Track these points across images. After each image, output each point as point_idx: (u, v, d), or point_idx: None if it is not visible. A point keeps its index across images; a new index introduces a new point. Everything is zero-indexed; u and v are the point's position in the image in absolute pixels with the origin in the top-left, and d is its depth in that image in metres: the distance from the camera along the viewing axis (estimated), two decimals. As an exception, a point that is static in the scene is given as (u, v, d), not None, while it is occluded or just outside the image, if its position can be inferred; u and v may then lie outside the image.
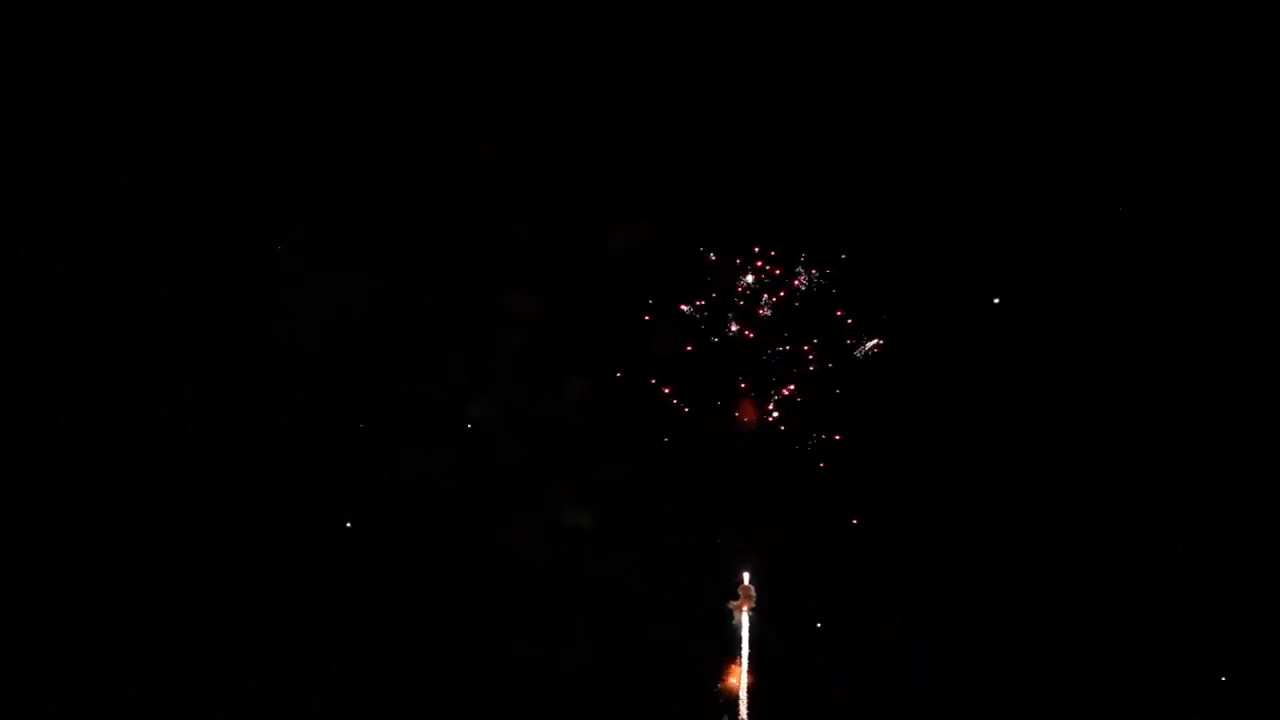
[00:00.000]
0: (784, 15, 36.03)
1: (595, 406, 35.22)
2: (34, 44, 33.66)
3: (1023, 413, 35.48)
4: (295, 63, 34.62)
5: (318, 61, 34.71)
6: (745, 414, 35.40)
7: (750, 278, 35.95)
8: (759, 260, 35.96)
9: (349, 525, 35.47)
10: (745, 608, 34.70)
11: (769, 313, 35.61)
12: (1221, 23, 35.42)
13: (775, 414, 35.47)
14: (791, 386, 35.66)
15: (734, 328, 35.77)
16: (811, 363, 35.73)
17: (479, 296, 35.68)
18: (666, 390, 35.36)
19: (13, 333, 33.30)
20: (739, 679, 34.52)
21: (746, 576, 35.01)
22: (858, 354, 35.08)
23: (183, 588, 34.31)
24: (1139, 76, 36.15)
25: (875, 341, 35.08)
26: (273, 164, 34.85)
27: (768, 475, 35.85)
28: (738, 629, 34.68)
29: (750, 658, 34.50)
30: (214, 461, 34.95)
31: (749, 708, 34.38)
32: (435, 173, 35.39)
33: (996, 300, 35.88)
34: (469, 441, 35.49)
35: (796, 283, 35.87)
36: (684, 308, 35.89)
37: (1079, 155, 36.48)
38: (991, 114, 36.50)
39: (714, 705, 34.48)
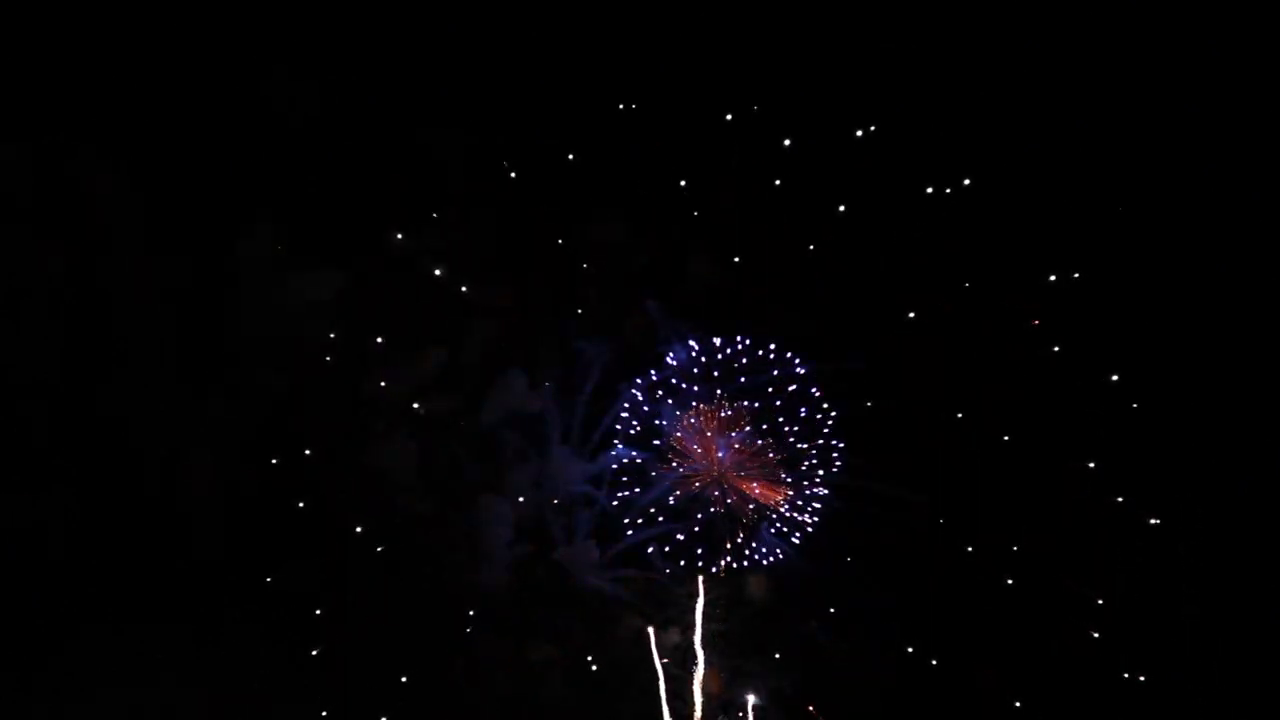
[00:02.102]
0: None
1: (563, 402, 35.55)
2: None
3: (1020, 413, 35.52)
4: (259, 64, 34.90)
5: (279, 62, 35.02)
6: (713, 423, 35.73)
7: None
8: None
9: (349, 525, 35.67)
10: (708, 598, 35.13)
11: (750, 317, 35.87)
12: (1221, 23, 35.52)
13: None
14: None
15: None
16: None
17: (447, 292, 35.97)
18: (639, 389, 35.59)
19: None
20: (700, 665, 34.92)
21: (716, 569, 35.37)
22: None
23: (179, 588, 34.49)
24: (1139, 77, 36.23)
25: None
26: (240, 163, 35.08)
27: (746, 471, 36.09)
28: (703, 618, 35.06)
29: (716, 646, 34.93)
30: (210, 463, 35.10)
31: (728, 698, 34.75)
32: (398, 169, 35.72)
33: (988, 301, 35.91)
34: (462, 441, 35.77)
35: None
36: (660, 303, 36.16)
37: (1078, 156, 36.60)
38: (991, 115, 36.65)
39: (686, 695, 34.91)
